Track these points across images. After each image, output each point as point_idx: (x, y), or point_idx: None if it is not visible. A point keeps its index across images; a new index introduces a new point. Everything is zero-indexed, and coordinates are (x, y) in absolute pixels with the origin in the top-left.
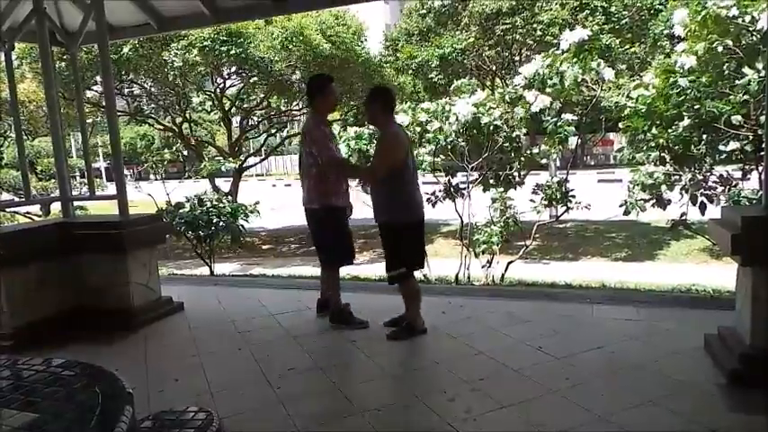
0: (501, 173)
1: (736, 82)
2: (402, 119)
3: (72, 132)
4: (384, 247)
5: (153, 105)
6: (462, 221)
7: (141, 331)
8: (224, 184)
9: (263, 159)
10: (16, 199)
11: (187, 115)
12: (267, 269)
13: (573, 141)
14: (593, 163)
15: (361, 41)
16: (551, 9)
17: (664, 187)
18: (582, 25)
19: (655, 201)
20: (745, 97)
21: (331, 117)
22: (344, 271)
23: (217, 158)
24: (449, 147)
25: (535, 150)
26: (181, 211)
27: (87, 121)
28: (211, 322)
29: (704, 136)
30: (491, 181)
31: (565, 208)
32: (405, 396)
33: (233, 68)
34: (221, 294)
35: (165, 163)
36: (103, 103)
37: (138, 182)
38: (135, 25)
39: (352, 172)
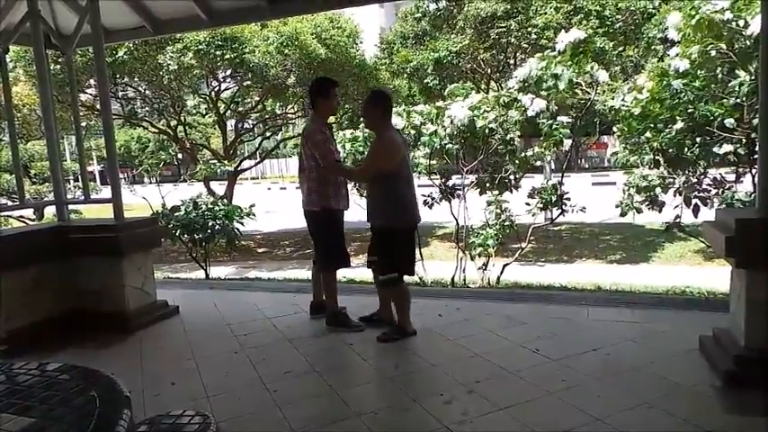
0: (496, 176)
1: (729, 85)
2: (397, 122)
3: (66, 136)
4: (376, 250)
5: (148, 108)
6: (458, 224)
7: (137, 335)
8: (219, 188)
9: (258, 163)
10: (10, 203)
11: (182, 118)
12: (263, 272)
13: (567, 144)
14: (587, 166)
15: (357, 45)
16: (546, 13)
17: (658, 190)
18: (576, 29)
19: (649, 203)
20: (738, 100)
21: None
22: (340, 274)
23: (212, 162)
24: (444, 150)
25: (530, 153)
26: (176, 214)
27: (82, 124)
28: (207, 326)
29: (698, 139)
30: (487, 184)
31: (560, 211)
32: (401, 399)
33: (228, 72)
34: (217, 298)
35: (160, 166)
36: (98, 106)
37: (133, 185)
38: (130, 28)
39: (347, 174)
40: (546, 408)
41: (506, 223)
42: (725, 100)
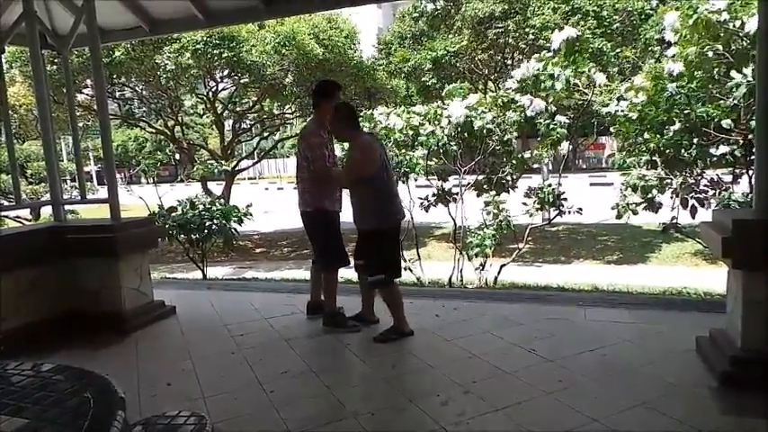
0: (494, 176)
1: (726, 86)
2: (395, 122)
3: (63, 136)
4: (363, 253)
5: (145, 108)
6: (455, 224)
7: (133, 335)
8: (216, 188)
9: (255, 163)
10: (6, 203)
11: (179, 118)
12: (260, 272)
13: (565, 145)
14: (585, 166)
15: (354, 45)
16: (543, 13)
17: (655, 191)
18: (570, 27)
19: (646, 204)
20: (735, 102)
21: None
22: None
23: (209, 162)
24: (441, 150)
25: (527, 155)
26: (173, 214)
27: (79, 124)
28: (204, 326)
29: (695, 140)
30: (484, 185)
31: (557, 211)
32: (398, 399)
33: (225, 72)
34: (214, 298)
35: (158, 166)
36: (95, 107)
37: (130, 185)
38: (126, 28)
39: (335, 180)
40: (542, 408)
41: (504, 224)
42: (722, 101)
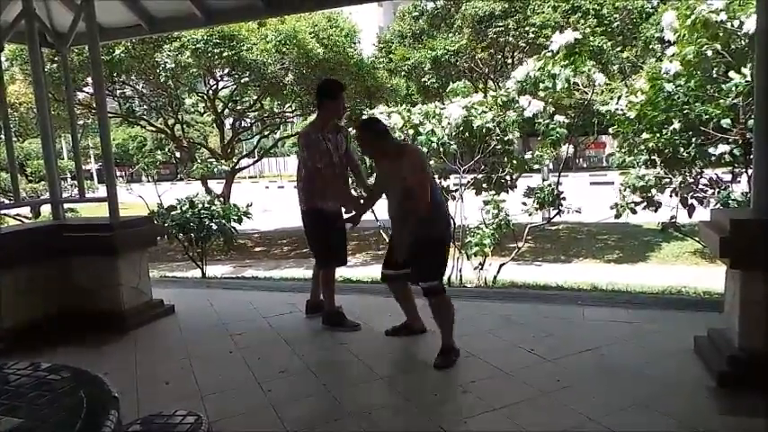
0: (493, 176)
1: (725, 86)
2: (395, 121)
3: (63, 134)
4: (423, 260)
5: (145, 107)
6: (455, 223)
7: (131, 334)
8: (216, 186)
9: (255, 161)
10: (6, 201)
11: (179, 117)
12: (259, 271)
13: (565, 145)
14: (585, 165)
15: (354, 44)
16: (543, 12)
17: (654, 190)
18: (573, 28)
19: (645, 203)
20: (734, 101)
21: None
22: (337, 273)
23: (209, 160)
24: (441, 149)
25: (528, 156)
26: (173, 213)
27: (78, 122)
28: (202, 325)
29: (694, 139)
30: (483, 184)
31: (557, 210)
32: (395, 398)
33: (226, 70)
34: (213, 297)
35: (157, 165)
36: (94, 105)
37: (130, 184)
38: (126, 26)
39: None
40: (541, 408)
41: (503, 223)
42: (721, 100)
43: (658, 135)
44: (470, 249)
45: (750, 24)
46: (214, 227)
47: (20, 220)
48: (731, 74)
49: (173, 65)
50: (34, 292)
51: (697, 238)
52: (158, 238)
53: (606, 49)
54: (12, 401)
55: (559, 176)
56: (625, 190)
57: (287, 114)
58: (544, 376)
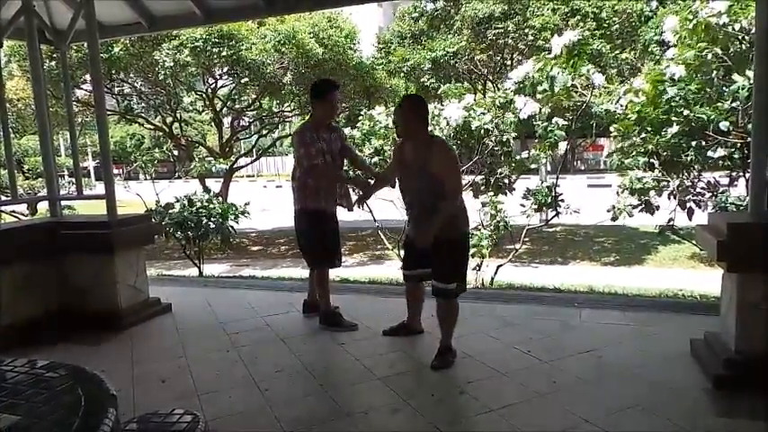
0: (491, 177)
1: (725, 89)
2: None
3: (61, 131)
4: (449, 263)
5: (143, 105)
6: None
7: (128, 332)
8: (214, 185)
9: (254, 160)
10: (3, 198)
11: (178, 115)
12: (257, 270)
13: (563, 146)
14: (583, 168)
15: (354, 44)
16: (543, 14)
17: (652, 192)
18: (571, 30)
19: (643, 206)
20: (734, 105)
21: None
22: (333, 273)
23: (207, 159)
24: None
25: (525, 155)
26: (170, 211)
27: (76, 120)
28: (199, 324)
29: (693, 142)
30: (482, 186)
31: (554, 212)
32: (392, 399)
33: (224, 69)
34: (210, 296)
35: (155, 163)
36: (93, 102)
37: (128, 181)
38: (125, 24)
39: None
40: (536, 409)
41: (501, 224)
42: (720, 103)
43: (657, 137)
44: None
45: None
46: (212, 225)
47: (17, 217)
48: (735, 76)
49: (172, 63)
50: (31, 290)
51: (694, 242)
52: (155, 236)
53: (605, 53)
54: (9, 399)
55: (557, 178)
56: (623, 192)
57: (285, 114)
58: (541, 378)
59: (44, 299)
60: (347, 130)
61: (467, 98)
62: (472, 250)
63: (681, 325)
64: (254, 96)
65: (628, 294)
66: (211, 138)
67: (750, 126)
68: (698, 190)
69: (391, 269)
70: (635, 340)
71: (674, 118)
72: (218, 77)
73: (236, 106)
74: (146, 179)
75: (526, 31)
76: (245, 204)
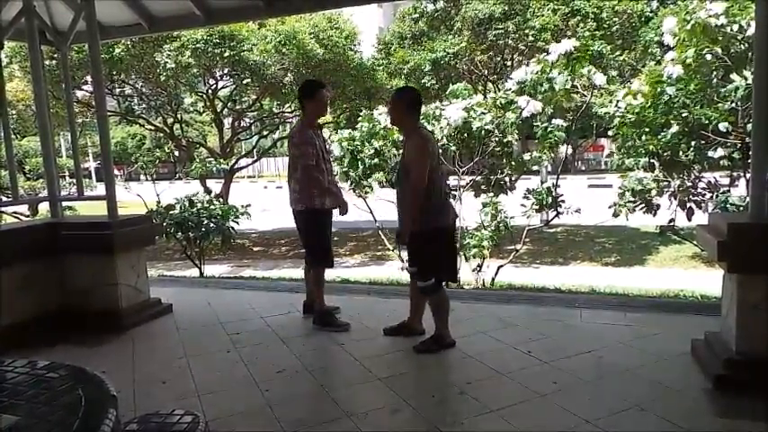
0: (492, 177)
1: (724, 90)
2: None
3: (61, 132)
4: (418, 257)
5: (144, 106)
6: None
7: (129, 333)
8: (215, 186)
9: (254, 161)
10: (4, 199)
11: (178, 116)
12: (257, 271)
13: (563, 147)
14: (583, 168)
15: (354, 45)
16: (543, 15)
17: (653, 192)
18: (573, 31)
19: (644, 206)
20: (733, 105)
21: (323, 120)
22: (334, 273)
23: (208, 159)
24: (440, 150)
25: (526, 157)
26: (171, 212)
27: (77, 120)
28: (200, 324)
29: (693, 143)
30: (482, 186)
31: (555, 213)
32: (392, 399)
33: (225, 70)
34: (211, 296)
35: (156, 163)
36: (93, 103)
37: (128, 182)
38: (126, 25)
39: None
40: (536, 410)
41: (502, 225)
42: (720, 104)
43: (657, 138)
44: (469, 251)
45: (752, 29)
46: (213, 226)
47: (17, 218)
48: (733, 76)
49: (173, 64)
50: (32, 290)
51: (695, 242)
52: (156, 237)
53: (605, 54)
54: (10, 399)
55: (558, 179)
56: (624, 193)
57: (286, 114)
58: (541, 378)
59: (45, 299)
60: (347, 131)
61: (475, 98)
62: (473, 251)
63: (681, 325)
64: (254, 97)
65: (628, 295)
66: (212, 138)
67: (750, 126)
68: (698, 190)
69: (392, 269)
70: (635, 340)
71: (672, 120)
72: (218, 78)
73: (237, 107)
74: (146, 180)
75: (526, 31)
76: (246, 205)
